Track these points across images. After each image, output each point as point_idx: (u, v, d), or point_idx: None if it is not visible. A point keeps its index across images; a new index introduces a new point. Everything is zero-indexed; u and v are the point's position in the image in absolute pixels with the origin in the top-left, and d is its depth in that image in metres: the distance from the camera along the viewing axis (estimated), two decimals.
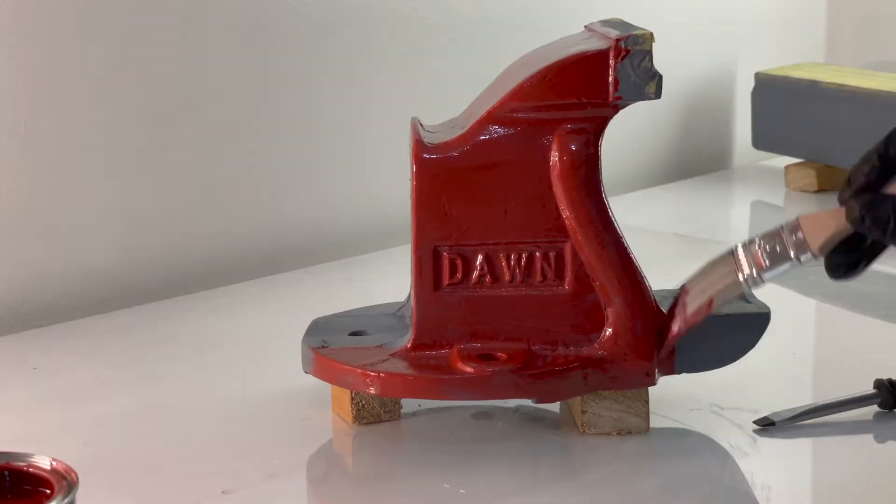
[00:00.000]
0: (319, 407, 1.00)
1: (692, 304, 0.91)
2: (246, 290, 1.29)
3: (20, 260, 1.20)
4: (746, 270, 0.88)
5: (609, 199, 0.94)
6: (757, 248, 0.88)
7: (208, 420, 0.99)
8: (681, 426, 0.97)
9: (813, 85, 1.61)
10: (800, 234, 0.86)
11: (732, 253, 0.89)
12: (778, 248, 0.87)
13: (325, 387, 0.99)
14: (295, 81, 1.37)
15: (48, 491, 0.72)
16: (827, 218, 0.86)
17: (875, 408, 0.99)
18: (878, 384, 0.99)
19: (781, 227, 0.87)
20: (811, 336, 1.25)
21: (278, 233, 1.37)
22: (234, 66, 1.32)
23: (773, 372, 1.07)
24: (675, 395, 1.01)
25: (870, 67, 1.70)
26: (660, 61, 0.92)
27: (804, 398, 1.01)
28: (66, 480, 0.72)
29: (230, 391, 1.04)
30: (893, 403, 0.98)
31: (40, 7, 1.19)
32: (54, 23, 1.20)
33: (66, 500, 0.70)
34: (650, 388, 0.95)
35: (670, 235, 1.48)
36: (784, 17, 1.85)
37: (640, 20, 0.97)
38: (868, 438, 0.98)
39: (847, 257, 0.86)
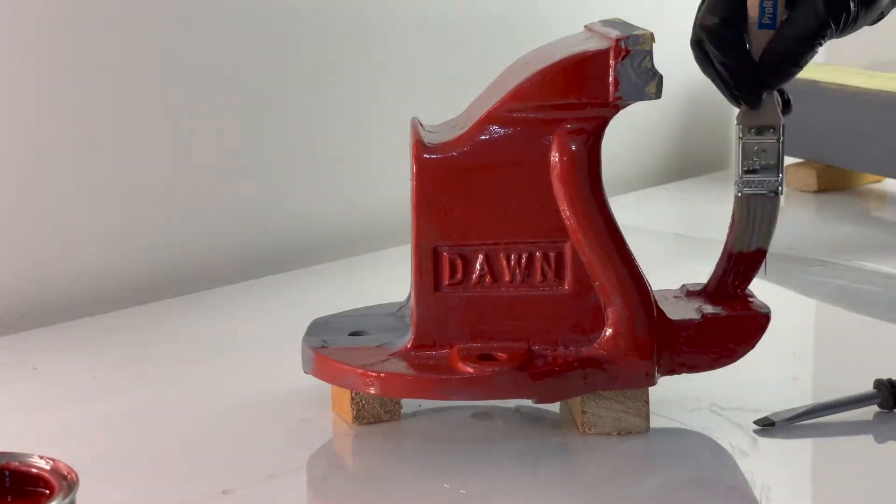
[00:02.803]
0: (319, 407, 1.00)
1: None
2: (246, 290, 1.29)
3: (20, 260, 1.20)
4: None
5: (609, 199, 0.94)
6: (749, 164, 0.95)
7: (208, 420, 0.99)
8: (681, 426, 0.97)
9: (813, 85, 1.61)
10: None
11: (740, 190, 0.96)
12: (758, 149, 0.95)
13: (325, 387, 0.99)
14: (295, 82, 1.37)
15: (48, 491, 0.72)
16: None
17: (875, 408, 0.99)
18: (878, 384, 0.99)
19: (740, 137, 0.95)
20: (811, 336, 1.25)
21: (278, 233, 1.37)
22: (235, 67, 1.32)
23: (773, 372, 1.07)
24: (676, 395, 1.01)
25: (870, 67, 1.70)
26: (659, 61, 0.92)
27: (804, 398, 1.01)
28: (66, 480, 0.72)
29: (230, 391, 1.04)
30: (893, 403, 0.98)
31: (44, 8, 1.19)
32: (58, 24, 1.20)
33: (66, 500, 0.70)
34: (650, 388, 0.95)
35: (670, 235, 1.48)
36: None
37: (640, 20, 0.97)
38: (868, 438, 0.98)
39: None
